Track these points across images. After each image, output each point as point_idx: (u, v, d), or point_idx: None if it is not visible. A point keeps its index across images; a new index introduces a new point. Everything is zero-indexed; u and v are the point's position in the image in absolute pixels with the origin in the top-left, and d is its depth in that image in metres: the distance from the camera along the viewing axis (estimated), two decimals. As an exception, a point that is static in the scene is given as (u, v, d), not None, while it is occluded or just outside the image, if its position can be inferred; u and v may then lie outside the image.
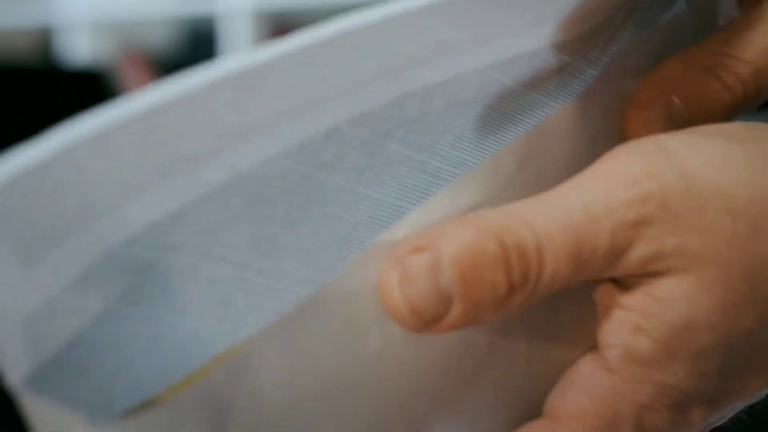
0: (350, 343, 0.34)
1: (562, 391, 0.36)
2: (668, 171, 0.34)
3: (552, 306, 0.37)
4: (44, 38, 2.79)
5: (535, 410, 0.38)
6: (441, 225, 0.33)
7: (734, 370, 0.35)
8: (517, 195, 0.36)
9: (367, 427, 0.35)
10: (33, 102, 1.69)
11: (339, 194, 0.33)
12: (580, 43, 0.38)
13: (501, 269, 0.33)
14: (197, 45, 2.57)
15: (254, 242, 0.31)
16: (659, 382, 0.35)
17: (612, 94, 0.40)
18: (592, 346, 0.37)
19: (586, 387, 0.36)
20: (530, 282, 0.33)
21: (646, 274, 0.34)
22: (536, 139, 0.38)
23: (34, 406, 0.28)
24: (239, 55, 0.29)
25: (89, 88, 1.85)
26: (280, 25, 2.37)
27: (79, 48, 2.66)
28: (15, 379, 0.27)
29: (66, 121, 0.27)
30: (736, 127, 0.37)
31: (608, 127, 0.40)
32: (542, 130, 0.38)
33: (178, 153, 0.28)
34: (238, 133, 0.30)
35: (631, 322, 0.34)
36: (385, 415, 0.35)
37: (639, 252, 0.34)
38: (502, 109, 0.37)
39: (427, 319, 0.33)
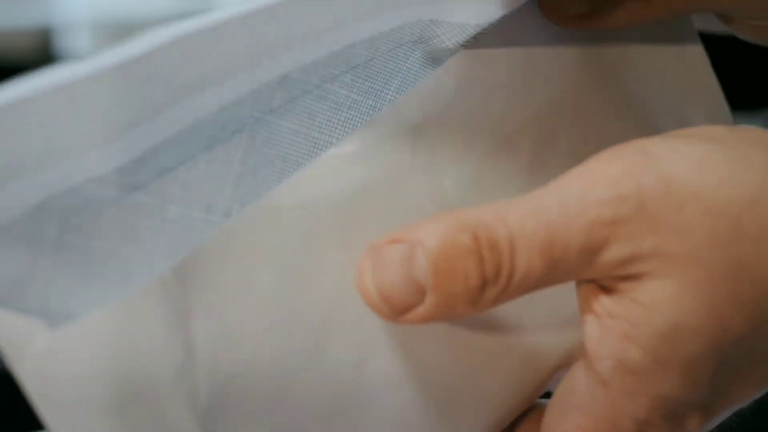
0: (307, 252, 0.35)
1: (559, 413, 0.37)
2: (648, 173, 0.34)
3: None
4: (44, 38, 2.79)
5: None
6: (418, 221, 0.35)
7: (728, 377, 0.35)
8: (461, 116, 0.38)
9: (342, 348, 0.36)
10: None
11: (295, 138, 0.34)
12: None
13: (473, 261, 0.34)
14: (197, 44, 2.57)
15: (216, 184, 0.33)
16: (654, 394, 0.35)
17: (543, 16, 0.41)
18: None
19: (583, 406, 0.36)
20: (503, 276, 0.34)
21: (626, 277, 0.35)
22: (474, 61, 0.39)
23: None
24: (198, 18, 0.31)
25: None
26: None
27: (79, 48, 2.66)
28: None
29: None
30: (718, 129, 0.37)
31: (546, 46, 0.40)
32: (477, 54, 0.39)
33: (142, 104, 0.30)
34: (196, 84, 0.31)
35: (618, 330, 0.35)
36: (361, 325, 0.36)
37: (615, 251, 0.34)
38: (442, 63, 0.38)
39: (398, 307, 0.34)
